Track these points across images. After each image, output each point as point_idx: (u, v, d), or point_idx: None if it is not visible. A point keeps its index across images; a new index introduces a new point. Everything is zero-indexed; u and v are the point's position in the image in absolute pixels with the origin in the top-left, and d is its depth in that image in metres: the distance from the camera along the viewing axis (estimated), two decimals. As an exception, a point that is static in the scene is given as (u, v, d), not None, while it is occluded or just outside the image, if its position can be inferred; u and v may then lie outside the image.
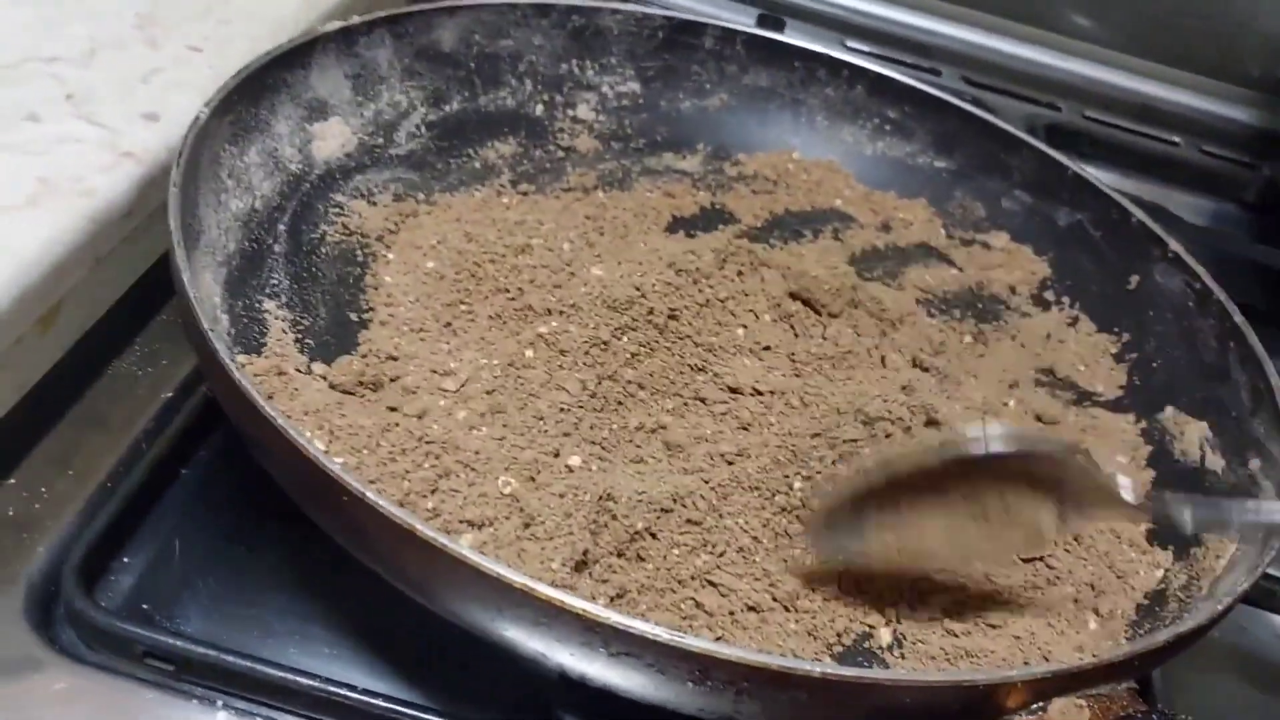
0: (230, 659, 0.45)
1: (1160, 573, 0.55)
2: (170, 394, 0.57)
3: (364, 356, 0.54)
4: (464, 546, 0.38)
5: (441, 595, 0.41)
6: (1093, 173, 0.70)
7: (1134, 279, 0.68)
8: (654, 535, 0.48)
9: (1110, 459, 0.60)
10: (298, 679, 0.45)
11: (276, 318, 0.55)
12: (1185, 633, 0.44)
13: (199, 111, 0.55)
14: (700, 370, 0.57)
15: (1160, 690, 0.54)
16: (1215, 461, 0.59)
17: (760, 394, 0.56)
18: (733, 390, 0.56)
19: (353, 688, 0.45)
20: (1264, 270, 0.86)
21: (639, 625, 0.38)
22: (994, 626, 0.50)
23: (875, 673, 0.42)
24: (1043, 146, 0.73)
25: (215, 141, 0.56)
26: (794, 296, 0.63)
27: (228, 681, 0.46)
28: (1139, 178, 0.97)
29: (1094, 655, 0.46)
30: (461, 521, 0.46)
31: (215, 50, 0.64)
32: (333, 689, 0.45)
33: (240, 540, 0.52)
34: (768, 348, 0.59)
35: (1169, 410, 0.63)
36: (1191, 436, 0.61)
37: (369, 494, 0.39)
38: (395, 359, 0.54)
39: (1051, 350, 0.68)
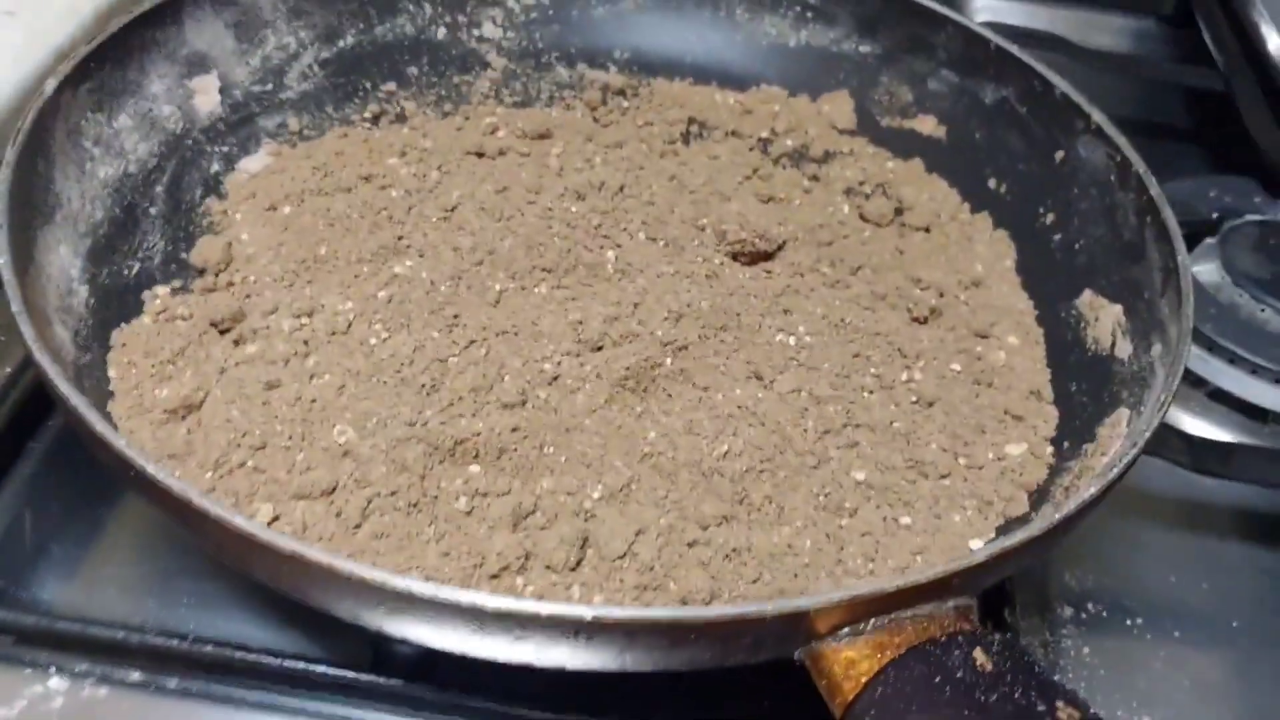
0: (62, 625, 0.46)
1: (1046, 471, 0.53)
2: (10, 369, 0.58)
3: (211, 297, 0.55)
4: (246, 520, 0.38)
5: (234, 561, 0.42)
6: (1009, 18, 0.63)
7: (1059, 155, 0.64)
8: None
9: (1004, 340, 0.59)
10: (129, 636, 0.46)
11: (149, 281, 0.56)
12: (1006, 550, 0.42)
13: (45, 84, 0.55)
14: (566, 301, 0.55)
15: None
16: (1124, 348, 0.56)
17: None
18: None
19: (184, 636, 0.46)
20: (1186, 90, 0.80)
21: (398, 581, 0.37)
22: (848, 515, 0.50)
23: (652, 612, 0.41)
24: (966, 21, 0.69)
25: (72, 113, 0.56)
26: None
27: (62, 647, 0.47)
28: (1053, 4, 0.91)
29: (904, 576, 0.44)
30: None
31: (32, 12, 0.62)
32: (162, 641, 0.46)
33: (99, 498, 0.53)
34: (641, 270, 0.57)
35: (1086, 294, 0.60)
36: (1105, 322, 0.58)
37: (149, 468, 0.39)
38: (250, 298, 0.55)
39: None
